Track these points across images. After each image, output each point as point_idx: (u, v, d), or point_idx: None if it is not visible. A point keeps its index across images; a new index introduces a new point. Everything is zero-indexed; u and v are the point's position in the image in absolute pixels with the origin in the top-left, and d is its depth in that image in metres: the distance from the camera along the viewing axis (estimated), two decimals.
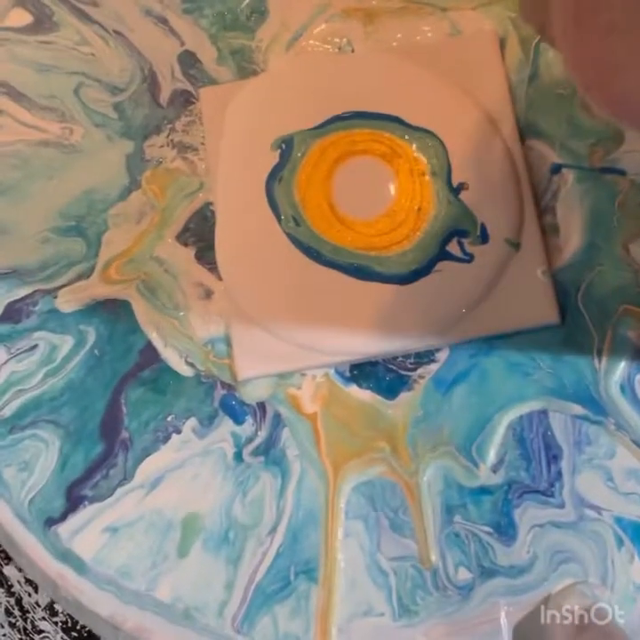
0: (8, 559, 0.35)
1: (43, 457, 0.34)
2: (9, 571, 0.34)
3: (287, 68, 0.36)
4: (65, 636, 0.32)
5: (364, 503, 0.32)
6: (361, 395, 0.33)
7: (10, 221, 0.36)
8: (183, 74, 0.37)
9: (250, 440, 0.33)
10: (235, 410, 0.33)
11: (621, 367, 0.31)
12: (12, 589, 0.33)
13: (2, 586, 0.33)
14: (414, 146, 0.33)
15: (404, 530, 0.31)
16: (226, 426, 0.33)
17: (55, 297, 0.35)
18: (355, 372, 0.33)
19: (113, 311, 0.35)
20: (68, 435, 0.34)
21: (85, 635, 0.32)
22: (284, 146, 0.34)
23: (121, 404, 0.34)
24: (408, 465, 0.32)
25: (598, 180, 0.33)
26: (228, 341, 0.34)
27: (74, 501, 0.33)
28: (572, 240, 0.33)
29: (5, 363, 0.35)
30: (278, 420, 0.33)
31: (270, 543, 0.32)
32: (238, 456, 0.33)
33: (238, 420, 0.33)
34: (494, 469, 0.31)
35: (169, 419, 0.33)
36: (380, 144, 0.33)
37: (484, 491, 0.31)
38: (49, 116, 0.38)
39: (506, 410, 0.32)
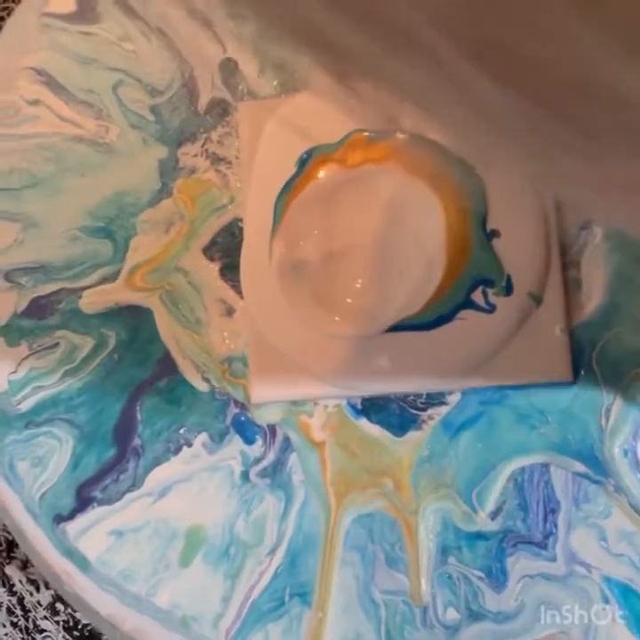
0: (10, 558, 0.35)
1: (56, 454, 0.34)
2: (11, 570, 0.34)
3: (329, 88, 0.35)
4: (66, 636, 0.32)
5: (363, 535, 0.32)
6: (370, 428, 0.32)
7: (40, 215, 0.36)
8: (223, 82, 0.36)
9: (258, 461, 0.33)
10: (246, 429, 0.33)
11: (627, 431, 0.31)
12: (14, 589, 0.33)
13: (3, 585, 0.33)
14: (457, 175, 0.32)
15: (399, 565, 0.31)
16: (236, 444, 0.33)
17: (79, 297, 0.35)
18: (366, 405, 0.33)
19: (135, 318, 0.34)
20: (82, 435, 0.34)
21: (87, 634, 0.32)
22: (305, 156, 0.33)
23: (136, 411, 0.34)
24: (409, 503, 0.32)
25: (626, 239, 0.32)
26: (244, 361, 0.33)
27: (83, 502, 0.33)
28: (594, 298, 0.32)
29: (26, 358, 0.34)
30: (287, 445, 0.33)
31: (269, 563, 0.32)
32: (245, 475, 0.33)
33: (248, 440, 0.33)
34: (492, 517, 0.31)
35: (181, 431, 0.33)
36: (420, 162, 0.32)
37: (479, 536, 0.31)
38: (86, 111, 0.36)
39: (509, 460, 0.31)
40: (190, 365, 0.34)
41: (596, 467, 0.31)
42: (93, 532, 0.33)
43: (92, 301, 0.35)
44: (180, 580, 0.32)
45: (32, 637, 0.32)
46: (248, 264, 0.33)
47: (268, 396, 0.32)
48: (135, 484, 0.33)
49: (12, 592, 0.33)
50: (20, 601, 0.32)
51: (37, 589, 0.34)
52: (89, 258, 0.35)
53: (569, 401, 0.31)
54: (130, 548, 0.32)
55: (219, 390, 0.33)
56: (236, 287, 0.34)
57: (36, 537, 0.33)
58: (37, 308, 0.35)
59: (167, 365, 0.34)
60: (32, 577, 0.34)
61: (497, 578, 0.31)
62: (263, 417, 0.33)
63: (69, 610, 0.34)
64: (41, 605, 0.32)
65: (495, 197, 0.31)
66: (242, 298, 0.34)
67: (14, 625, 0.32)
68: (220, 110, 0.36)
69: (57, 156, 0.36)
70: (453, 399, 0.32)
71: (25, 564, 0.35)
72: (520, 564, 0.31)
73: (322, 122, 0.34)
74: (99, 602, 0.32)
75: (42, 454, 0.34)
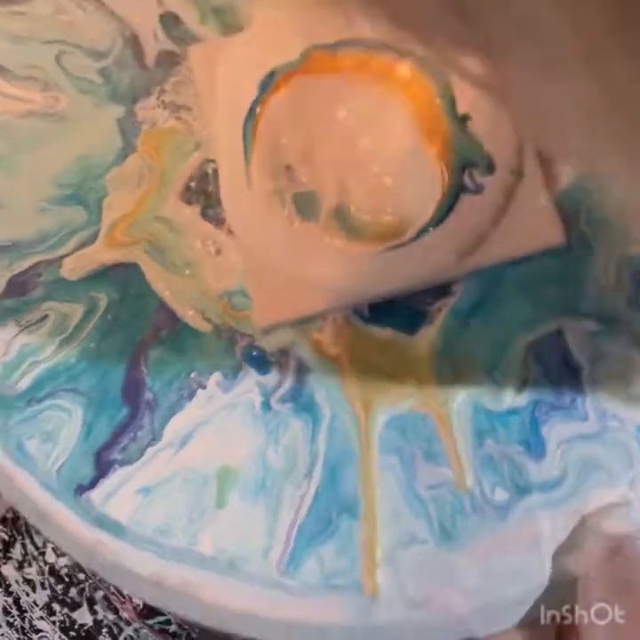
0: (6, 559, 0.33)
1: (66, 426, 0.32)
2: (7, 570, 0.32)
3: (276, 17, 0.35)
4: (63, 636, 0.30)
5: (397, 437, 0.31)
6: (382, 333, 0.32)
7: (4, 194, 0.34)
8: (167, 35, 0.36)
9: (276, 388, 0.32)
10: (258, 360, 0.32)
11: (626, 281, 0.32)
12: (10, 589, 0.31)
13: (0, 586, 0.32)
14: (416, 67, 0.32)
15: (438, 458, 0.31)
16: (250, 377, 0.32)
17: (60, 266, 0.34)
18: (373, 312, 0.32)
19: (122, 275, 0.33)
20: (89, 402, 0.32)
21: (83, 634, 0.31)
22: (266, 80, 0.33)
23: (141, 367, 0.32)
24: (436, 396, 0.31)
25: None
26: (243, 293, 0.33)
27: (103, 466, 0.32)
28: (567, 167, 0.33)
29: (16, 336, 0.33)
30: (302, 366, 0.32)
31: (308, 486, 0.31)
32: (266, 405, 0.32)
33: (262, 370, 0.32)
34: (519, 391, 0.31)
35: (192, 376, 0.32)
36: (384, 68, 0.32)
37: (511, 412, 0.31)
38: (31, 85, 0.36)
39: (523, 333, 0.32)
40: (189, 309, 0.33)
41: (607, 322, 0.31)
42: (120, 494, 0.31)
43: (74, 267, 0.34)
44: (219, 524, 0.31)
45: (28, 637, 0.30)
46: (230, 198, 0.33)
47: (273, 319, 0.32)
48: (155, 438, 0.32)
49: (8, 592, 0.31)
50: (17, 601, 0.31)
51: (34, 590, 0.32)
52: (63, 226, 0.34)
53: (567, 265, 0.32)
54: (161, 502, 0.31)
55: (223, 327, 0.33)
56: (220, 225, 0.34)
57: (59, 513, 0.31)
58: (17, 286, 0.34)
59: (165, 315, 0.33)
60: (28, 577, 0.32)
61: (536, 449, 0.31)
62: (273, 343, 0.32)
63: (66, 610, 0.32)
64: (37, 606, 0.31)
65: (457, 82, 0.32)
66: (227, 234, 0.33)
67: (10, 625, 0.30)
68: (169, 61, 0.36)
69: (8, 134, 0.35)
70: (458, 288, 0.32)
71: (21, 565, 0.33)
72: (555, 430, 0.31)
73: (275, 49, 0.34)
74: (139, 563, 0.31)
75: (51, 429, 0.32)
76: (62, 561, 0.35)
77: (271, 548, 0.30)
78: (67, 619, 0.32)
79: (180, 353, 0.33)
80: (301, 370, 0.32)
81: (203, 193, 0.34)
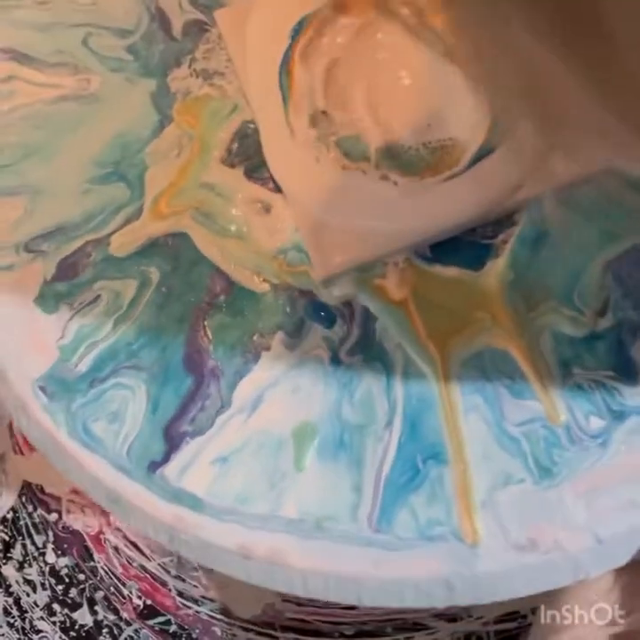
0: (6, 559, 0.32)
1: (131, 404, 0.31)
2: (7, 570, 0.31)
3: None
4: (63, 636, 0.29)
5: (478, 376, 0.29)
6: (447, 272, 0.31)
7: (45, 181, 0.34)
8: (191, 4, 0.35)
9: (343, 341, 0.30)
10: (321, 314, 0.31)
11: None
12: (11, 589, 0.30)
13: (0, 586, 0.30)
14: None
15: (525, 393, 0.29)
16: (316, 332, 0.31)
17: (108, 245, 0.33)
18: (435, 251, 0.31)
19: (172, 246, 0.32)
20: (152, 377, 0.31)
21: (83, 634, 0.29)
22: (297, 26, 0.32)
23: (202, 335, 0.31)
24: (513, 329, 0.30)
25: None
26: (298, 248, 0.31)
27: (174, 440, 0.30)
28: None
29: (71, 319, 0.32)
30: (368, 315, 0.31)
31: (389, 437, 0.29)
32: (335, 359, 0.30)
33: (327, 324, 0.31)
34: (600, 314, 0.29)
35: (255, 338, 0.31)
36: None
37: (595, 337, 0.29)
38: (61, 71, 0.35)
39: (598, 253, 0.30)
40: (243, 271, 0.32)
41: None
42: (194, 466, 0.30)
43: (122, 243, 0.33)
44: (301, 486, 0.29)
45: (29, 638, 0.29)
46: (274, 155, 0.32)
47: (333, 268, 0.30)
48: (223, 405, 0.30)
49: (8, 593, 0.30)
50: (17, 601, 0.30)
51: (34, 590, 0.31)
52: (107, 205, 0.33)
53: (636, 179, 0.30)
54: (238, 470, 0.30)
55: (280, 285, 0.31)
56: (266, 184, 0.32)
57: (134, 493, 0.30)
58: (67, 269, 0.33)
59: (219, 280, 0.32)
60: (29, 578, 0.31)
61: (627, 371, 0.29)
62: (334, 295, 0.31)
63: (66, 610, 0.31)
64: (37, 606, 0.29)
65: None
66: (274, 192, 0.32)
67: (11, 625, 0.29)
68: (197, 29, 0.35)
69: (44, 121, 0.35)
70: (520, 216, 0.31)
71: (21, 565, 0.32)
72: None
73: (301, 1, 0.33)
74: (222, 536, 0.29)
75: (116, 409, 0.31)
76: (62, 561, 0.34)
77: (359, 505, 0.29)
78: (67, 619, 0.31)
79: (239, 317, 0.31)
80: (367, 319, 0.31)
81: (244, 154, 0.33)
